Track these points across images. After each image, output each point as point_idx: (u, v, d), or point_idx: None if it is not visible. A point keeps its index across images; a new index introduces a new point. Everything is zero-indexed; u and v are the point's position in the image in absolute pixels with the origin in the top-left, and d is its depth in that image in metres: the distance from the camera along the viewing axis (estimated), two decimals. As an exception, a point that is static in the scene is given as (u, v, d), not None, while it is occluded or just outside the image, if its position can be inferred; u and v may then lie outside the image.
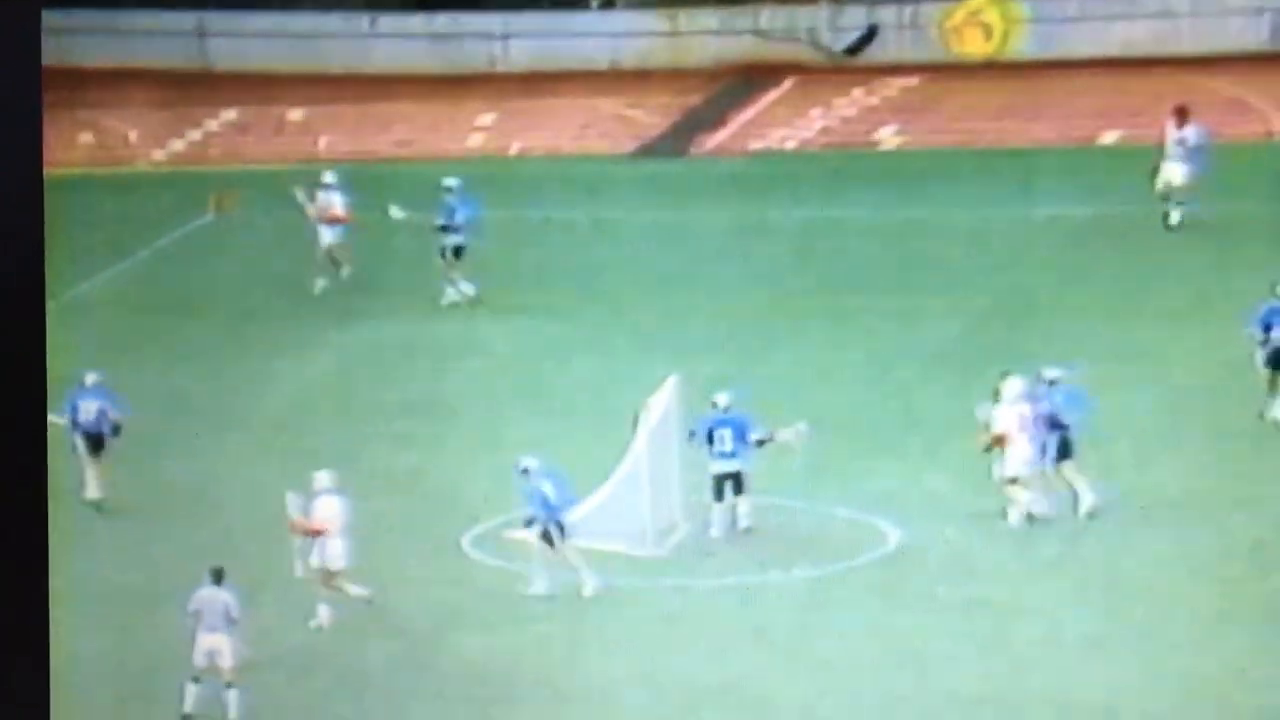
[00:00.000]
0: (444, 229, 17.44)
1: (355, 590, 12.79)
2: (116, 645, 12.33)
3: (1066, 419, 13.99)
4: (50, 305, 16.66)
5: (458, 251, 17.50)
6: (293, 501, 12.76)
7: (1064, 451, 13.99)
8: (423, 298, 16.81)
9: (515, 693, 12.04)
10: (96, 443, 14.12)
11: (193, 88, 23.03)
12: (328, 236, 18.03)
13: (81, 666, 11.66)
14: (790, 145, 23.85)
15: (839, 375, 16.11)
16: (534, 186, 21.65)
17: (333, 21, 24.67)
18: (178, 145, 21.27)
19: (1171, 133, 19.09)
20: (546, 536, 13.16)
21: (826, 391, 15.60)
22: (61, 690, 9.71)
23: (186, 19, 24.14)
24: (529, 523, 13.18)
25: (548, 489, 13.17)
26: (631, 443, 13.88)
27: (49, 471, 9.74)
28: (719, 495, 13.96)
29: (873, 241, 19.69)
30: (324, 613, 12.65)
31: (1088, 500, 13.90)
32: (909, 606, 12.86)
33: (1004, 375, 13.94)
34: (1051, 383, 14.07)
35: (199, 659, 11.79)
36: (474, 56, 25.20)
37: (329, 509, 12.80)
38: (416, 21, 25.22)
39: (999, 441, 13.84)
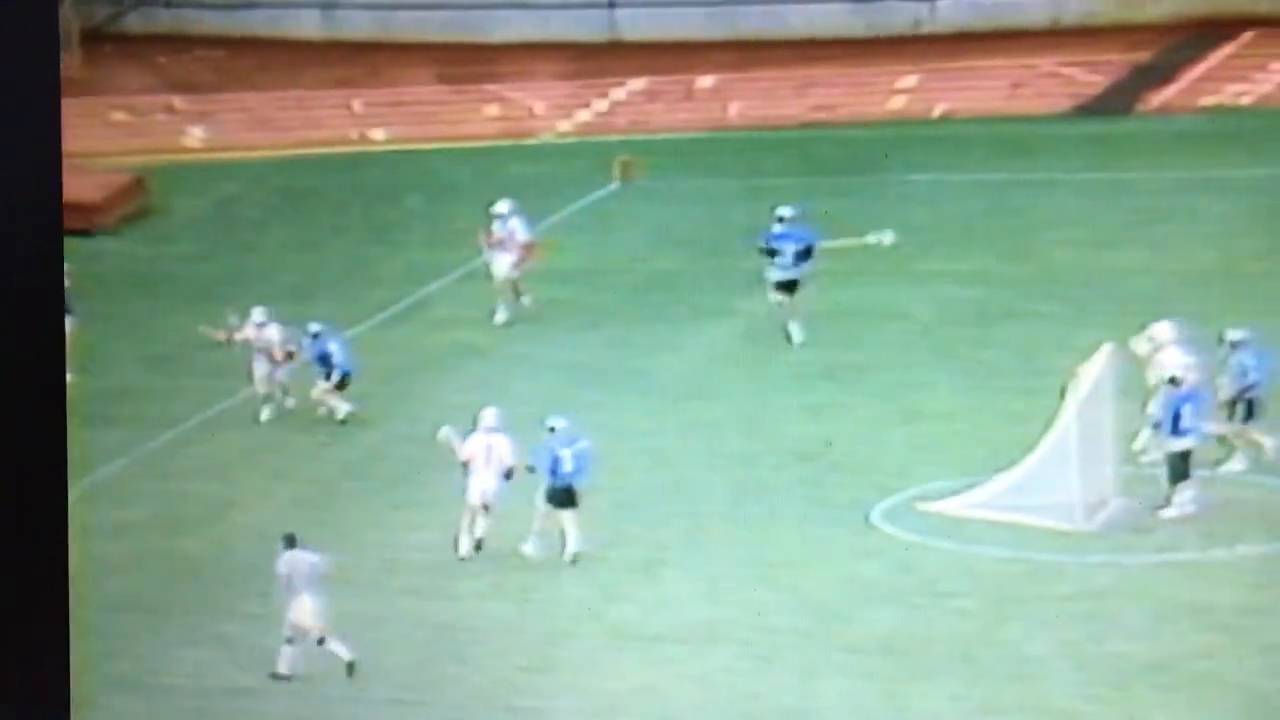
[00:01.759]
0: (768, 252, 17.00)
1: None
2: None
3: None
4: (457, 273, 17.53)
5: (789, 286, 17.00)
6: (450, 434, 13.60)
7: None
8: (838, 260, 16.93)
9: (929, 666, 12.09)
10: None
11: (601, 58, 23.72)
12: (504, 269, 17.70)
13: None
14: (1246, 100, 23.22)
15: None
16: (960, 148, 21.58)
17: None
18: (584, 116, 21.92)
19: None
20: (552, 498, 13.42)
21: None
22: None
23: (599, -9, 24.89)
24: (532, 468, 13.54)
25: (565, 456, 13.38)
26: (1060, 413, 13.81)
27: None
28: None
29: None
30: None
31: None
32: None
33: None
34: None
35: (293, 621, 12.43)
36: (898, 18, 25.24)
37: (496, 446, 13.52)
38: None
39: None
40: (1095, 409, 13.83)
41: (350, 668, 12.32)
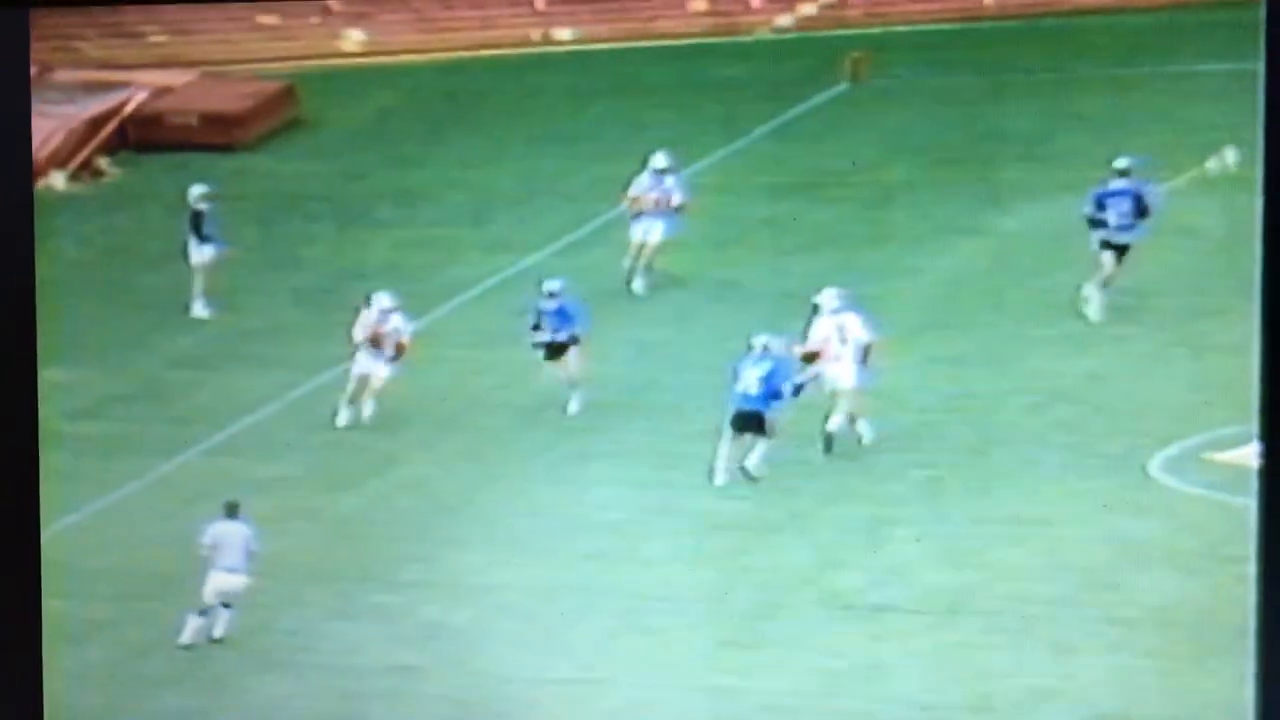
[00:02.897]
0: None
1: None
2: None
3: None
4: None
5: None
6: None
7: None
8: (1111, 166, 16.53)
9: (1213, 642, 11.84)
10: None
11: (830, -58, 23.41)
12: (641, 233, 17.21)
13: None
14: None
15: None
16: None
17: None
18: (808, 9, 21.58)
19: None
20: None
21: None
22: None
23: None
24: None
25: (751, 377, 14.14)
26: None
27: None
28: None
29: None
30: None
31: None
32: None
33: None
34: None
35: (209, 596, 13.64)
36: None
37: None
38: None
39: None
40: None
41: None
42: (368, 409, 15.18)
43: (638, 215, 17.10)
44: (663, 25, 21.69)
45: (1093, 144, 17.36)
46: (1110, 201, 16.07)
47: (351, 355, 15.31)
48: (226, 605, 13.72)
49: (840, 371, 14.41)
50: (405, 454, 14.96)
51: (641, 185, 17.21)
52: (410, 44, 20.78)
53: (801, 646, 12.37)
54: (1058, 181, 17.12)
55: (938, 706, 11.86)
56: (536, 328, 15.62)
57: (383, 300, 15.66)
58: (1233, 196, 17.44)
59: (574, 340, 15.54)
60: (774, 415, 13.97)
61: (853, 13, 22.56)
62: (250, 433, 15.26)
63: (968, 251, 17.33)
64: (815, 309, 15.07)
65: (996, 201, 17.65)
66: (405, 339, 15.47)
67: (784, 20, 22.33)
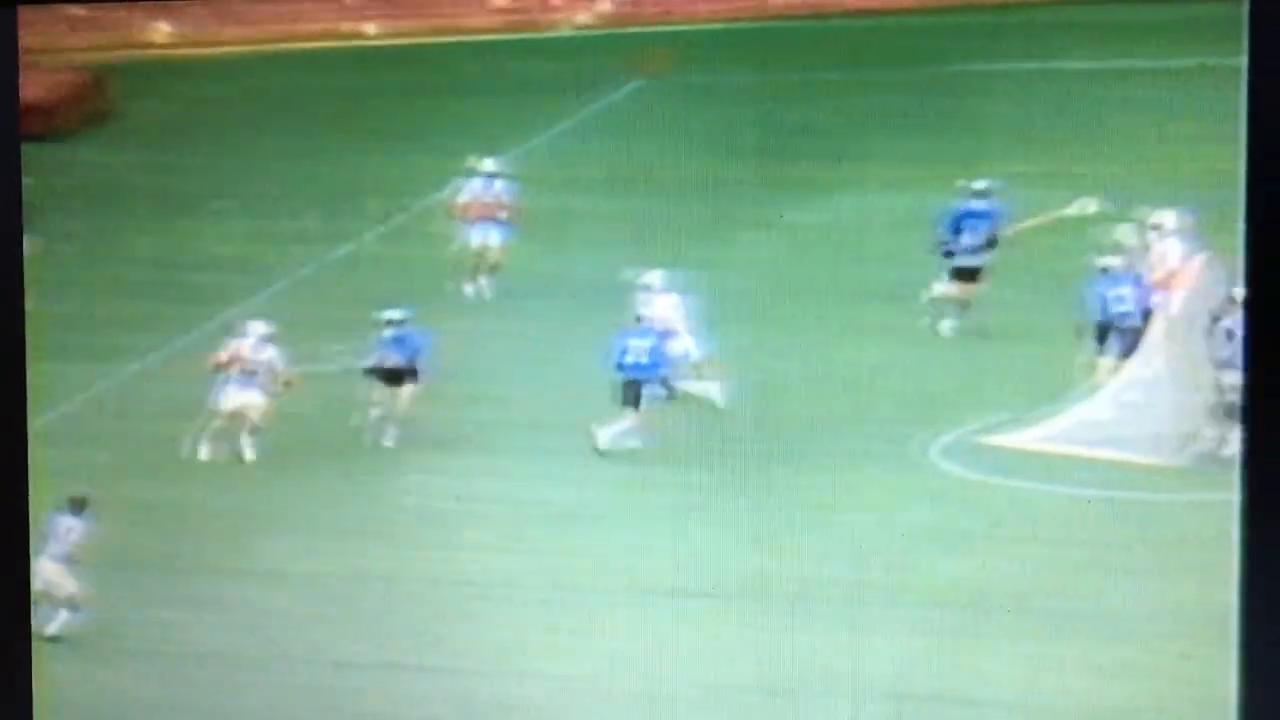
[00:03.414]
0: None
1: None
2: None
3: None
4: (461, 184, 17.39)
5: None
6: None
7: None
8: (902, 165, 16.74)
9: (996, 622, 12.07)
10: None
11: (627, -62, 23.49)
12: (480, 238, 16.48)
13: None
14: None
15: None
16: (1028, 35, 21.31)
17: None
18: (604, 5, 21.70)
19: None
20: None
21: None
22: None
23: None
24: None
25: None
26: (1145, 334, 13.73)
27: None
28: None
29: None
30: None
31: None
32: None
33: None
34: None
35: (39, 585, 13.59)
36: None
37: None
38: None
39: None
40: (1187, 326, 13.74)
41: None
42: (248, 448, 14.48)
43: (473, 221, 16.57)
44: (468, 21, 21.76)
45: (889, 142, 17.63)
46: (967, 224, 15.80)
47: (221, 381, 14.71)
48: (75, 608, 13.51)
49: (688, 343, 14.58)
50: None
51: (473, 190, 16.77)
52: (221, 36, 20.70)
53: (604, 631, 12.48)
54: (850, 178, 17.36)
55: (735, 688, 12.01)
56: (373, 358, 14.86)
57: (258, 328, 14.99)
58: (1021, 191, 17.81)
59: (412, 372, 14.89)
60: (662, 384, 14.09)
61: (650, 10, 22.71)
62: (65, 421, 15.15)
63: (763, 245, 17.52)
64: (647, 288, 15.13)
65: (791, 196, 17.89)
66: (292, 376, 14.72)
67: (583, 17, 22.48)
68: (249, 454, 14.38)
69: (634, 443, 13.75)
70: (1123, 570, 12.39)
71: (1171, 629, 11.95)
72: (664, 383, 14.27)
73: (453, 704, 12.83)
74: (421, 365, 14.86)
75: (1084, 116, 16.87)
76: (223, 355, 14.80)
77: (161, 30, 21.47)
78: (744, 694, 12.01)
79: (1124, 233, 14.49)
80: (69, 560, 13.63)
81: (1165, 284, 14.57)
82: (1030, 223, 15.12)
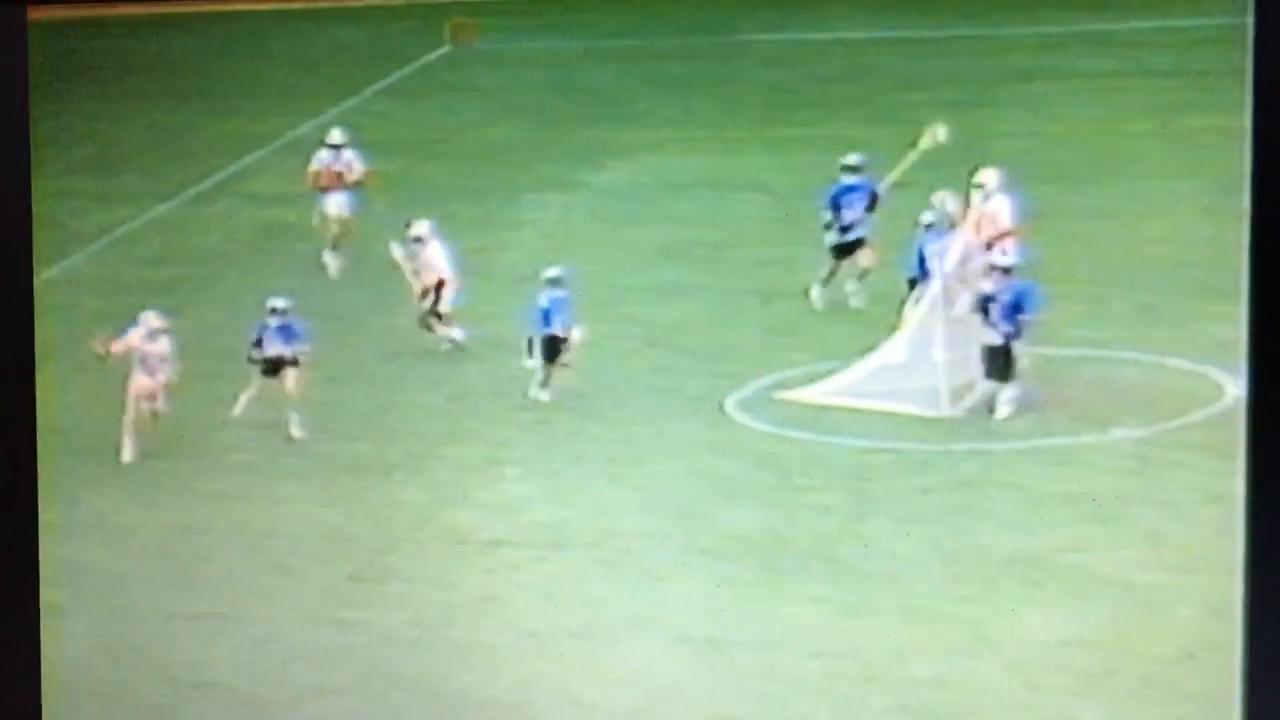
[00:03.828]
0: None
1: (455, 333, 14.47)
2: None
3: None
4: (276, 144, 17.33)
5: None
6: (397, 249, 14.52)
7: None
8: (687, 128, 16.91)
9: (789, 567, 12.27)
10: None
11: (428, -94, 23.42)
12: (334, 207, 16.63)
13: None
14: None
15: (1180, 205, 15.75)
16: (816, 6, 21.53)
17: None
18: (412, -29, 21.63)
19: None
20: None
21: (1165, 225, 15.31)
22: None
23: None
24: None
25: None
26: (924, 292, 13.98)
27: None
28: None
29: None
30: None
31: None
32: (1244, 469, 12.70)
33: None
34: None
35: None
36: None
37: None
38: None
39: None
40: (960, 289, 14.01)
41: None
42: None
43: (323, 191, 16.56)
44: (268, -12, 21.59)
45: (671, 106, 17.78)
46: (845, 200, 15.71)
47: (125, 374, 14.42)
48: None
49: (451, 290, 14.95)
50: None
51: (321, 160, 16.68)
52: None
53: (421, 580, 12.55)
54: (644, 141, 17.52)
55: (545, 634, 12.11)
56: (258, 344, 14.63)
57: (150, 320, 14.67)
58: (796, 154, 18.05)
59: (294, 360, 14.54)
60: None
61: (453, -24, 22.68)
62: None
63: (565, 205, 17.66)
64: (417, 240, 15.48)
65: (590, 159, 18.03)
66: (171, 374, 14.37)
67: (392, -16, 22.46)
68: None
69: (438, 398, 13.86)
70: (905, 518, 12.66)
71: (951, 573, 12.22)
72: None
73: (268, 652, 12.83)
74: (303, 354, 14.56)
75: (861, 85, 17.20)
76: (100, 346, 14.54)
77: (-24, -7, 21.10)
78: (555, 639, 12.13)
79: (940, 198, 14.75)
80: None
81: (997, 241, 14.85)
82: (896, 172, 15.30)
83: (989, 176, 15.45)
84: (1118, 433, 13.79)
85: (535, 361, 14.09)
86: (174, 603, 12.91)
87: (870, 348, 14.25)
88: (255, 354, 14.48)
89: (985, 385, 14.07)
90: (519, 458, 13.35)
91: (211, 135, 18.43)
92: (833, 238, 15.32)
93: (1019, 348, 13.85)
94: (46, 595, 13.12)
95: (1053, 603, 11.97)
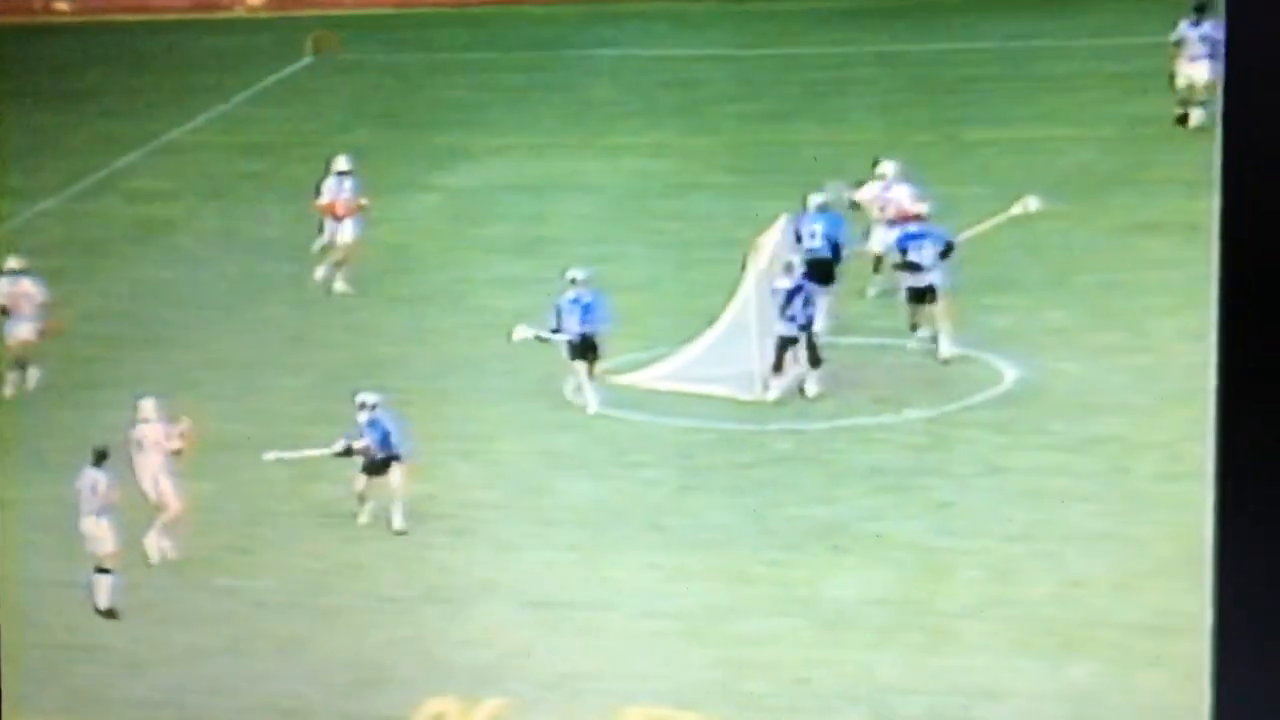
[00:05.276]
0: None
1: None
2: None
3: None
4: (151, 145, 16.94)
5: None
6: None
7: None
8: (529, 134, 16.79)
9: (622, 536, 12.22)
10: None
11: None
12: (346, 234, 15.65)
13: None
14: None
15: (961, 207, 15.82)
16: (642, 25, 21.49)
17: None
18: (280, -11, 21.31)
19: None
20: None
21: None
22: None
23: None
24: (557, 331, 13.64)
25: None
26: (740, 284, 13.93)
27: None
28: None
29: None
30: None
31: None
32: (1026, 445, 12.85)
33: None
34: None
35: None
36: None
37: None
38: None
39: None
40: (772, 279, 13.98)
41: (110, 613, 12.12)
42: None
43: (336, 218, 15.57)
44: (156, 1, 21.14)
45: (515, 115, 17.65)
46: (913, 244, 14.53)
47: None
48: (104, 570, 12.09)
49: None
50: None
51: (330, 190, 15.68)
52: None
53: (289, 551, 12.32)
54: (489, 146, 17.35)
55: (403, 599, 11.95)
56: (347, 446, 12.70)
57: (145, 409, 12.70)
58: (624, 159, 17.99)
59: (395, 457, 12.65)
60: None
61: (322, -7, 22.32)
62: None
63: (420, 204, 17.44)
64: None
65: (440, 163, 17.79)
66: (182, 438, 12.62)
67: (255, 0, 22.03)
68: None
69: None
70: (729, 489, 12.65)
71: (771, 541, 12.23)
72: None
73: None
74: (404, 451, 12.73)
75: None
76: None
77: None
78: (410, 605, 11.96)
79: (833, 187, 14.69)
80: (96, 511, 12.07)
81: (899, 220, 14.75)
82: (978, 229, 14.67)
83: (888, 167, 15.40)
84: (909, 414, 13.89)
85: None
86: (55, 571, 12.50)
87: (693, 335, 14.20)
88: (353, 447, 12.59)
89: (795, 370, 14.06)
90: (377, 436, 13.15)
91: (87, 136, 17.95)
92: (907, 279, 14.52)
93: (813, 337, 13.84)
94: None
95: (856, 566, 12.01)
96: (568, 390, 13.80)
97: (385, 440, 12.59)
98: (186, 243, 16.00)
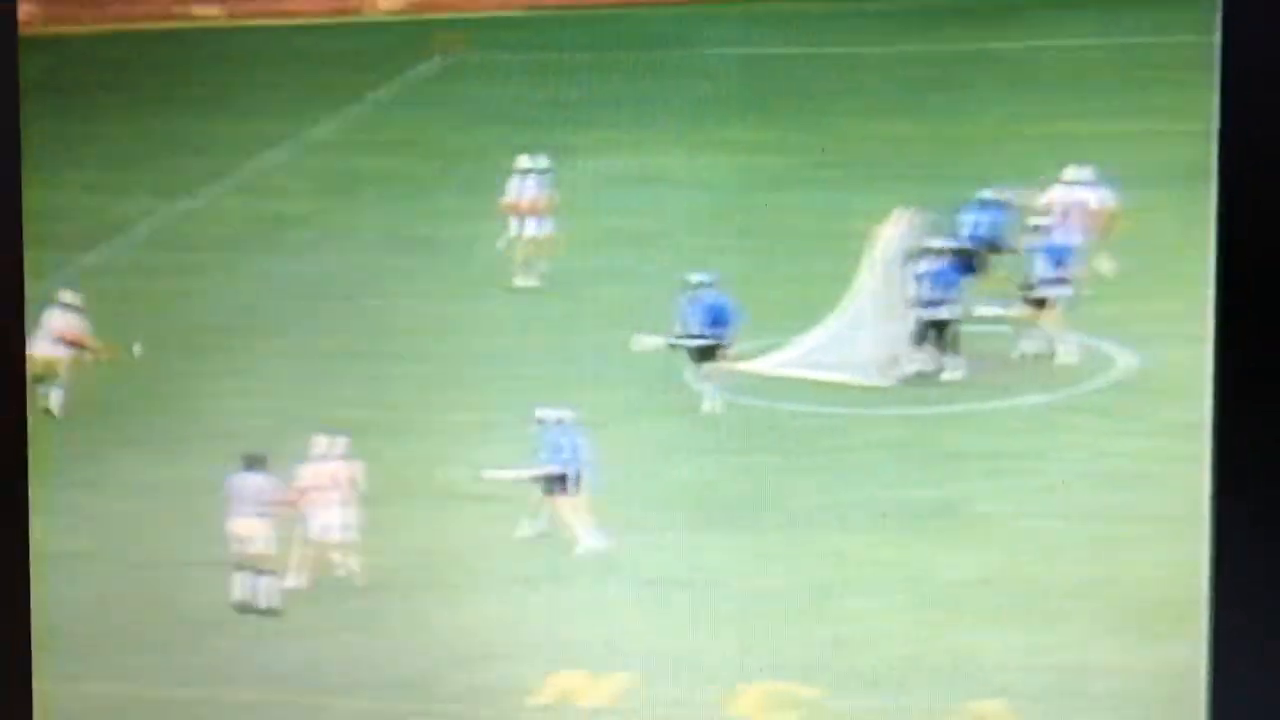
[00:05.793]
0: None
1: None
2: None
3: None
4: (288, 144, 17.06)
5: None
6: None
7: None
8: (651, 130, 16.66)
9: (737, 517, 12.15)
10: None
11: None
12: (532, 229, 15.43)
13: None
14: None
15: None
16: (760, 24, 21.33)
17: None
18: (406, -7, 21.33)
19: None
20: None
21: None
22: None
23: None
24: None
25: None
26: (856, 274, 13.82)
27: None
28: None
29: None
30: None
31: None
32: (1134, 431, 12.63)
33: None
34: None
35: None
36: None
37: None
38: None
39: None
40: (889, 269, 13.91)
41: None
42: None
43: (521, 216, 15.35)
44: (292, 5, 21.24)
45: (632, 115, 17.49)
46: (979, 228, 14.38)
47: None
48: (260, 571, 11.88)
49: None
50: None
51: (515, 187, 15.47)
52: (67, 15, 19.98)
53: (415, 531, 12.33)
54: (599, 144, 17.24)
55: (529, 578, 11.98)
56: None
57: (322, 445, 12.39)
58: (734, 155, 17.82)
59: (576, 475, 12.23)
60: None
61: (442, -2, 22.37)
62: None
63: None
64: None
65: (556, 158, 17.67)
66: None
67: (387, 3, 22.13)
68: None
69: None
70: (841, 471, 12.58)
71: (883, 523, 12.14)
72: None
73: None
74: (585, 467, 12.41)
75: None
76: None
77: (24, 9, 20.64)
78: (534, 584, 11.97)
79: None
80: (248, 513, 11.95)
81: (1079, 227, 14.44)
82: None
83: (1079, 173, 14.88)
84: (1019, 400, 13.73)
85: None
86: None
87: (808, 324, 14.05)
88: (534, 471, 12.22)
89: (910, 357, 13.93)
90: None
91: (225, 136, 18.06)
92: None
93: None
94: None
95: (967, 547, 11.90)
96: (687, 375, 13.74)
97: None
98: (315, 236, 16.06)
